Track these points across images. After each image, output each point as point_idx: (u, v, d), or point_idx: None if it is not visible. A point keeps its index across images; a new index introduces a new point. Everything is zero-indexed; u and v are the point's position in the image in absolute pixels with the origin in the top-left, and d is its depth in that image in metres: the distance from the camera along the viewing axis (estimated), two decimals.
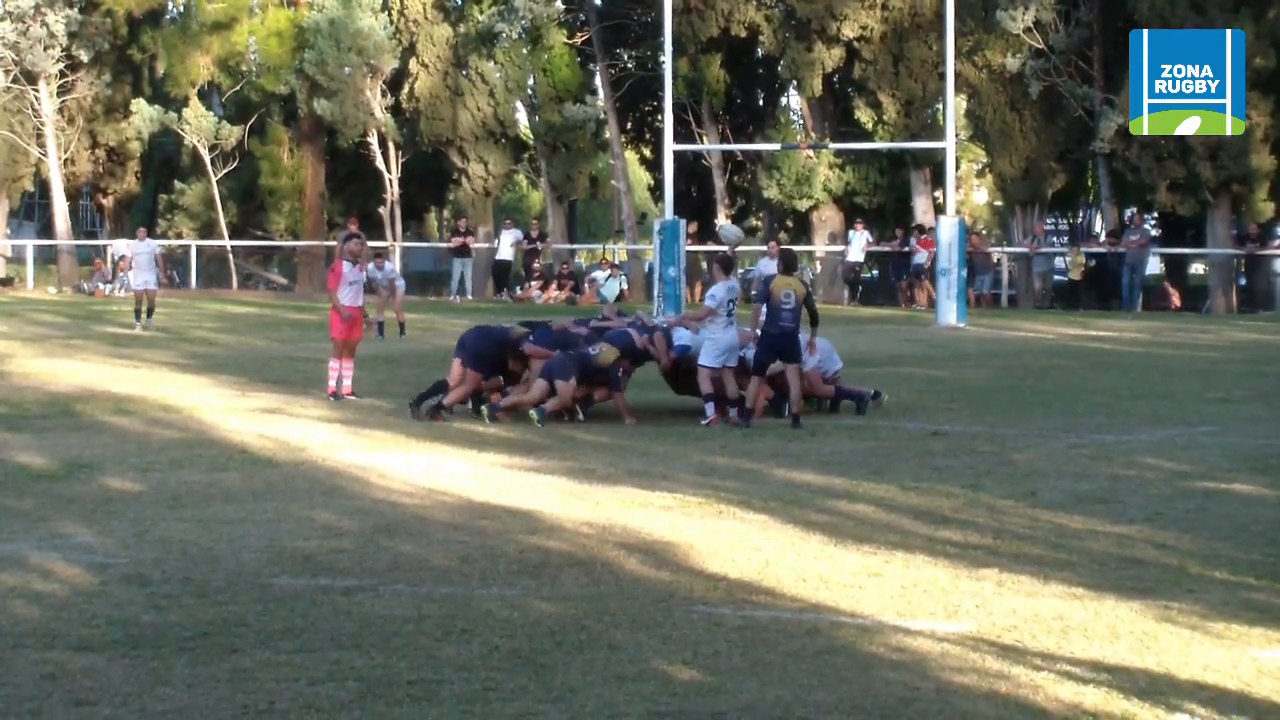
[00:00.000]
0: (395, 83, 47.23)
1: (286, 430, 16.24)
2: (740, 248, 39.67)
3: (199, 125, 48.14)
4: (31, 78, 49.68)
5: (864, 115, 42.54)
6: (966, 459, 14.37)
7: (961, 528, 11.10)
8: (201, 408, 18.12)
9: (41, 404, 18.51)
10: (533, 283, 43.95)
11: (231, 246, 49.19)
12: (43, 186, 54.65)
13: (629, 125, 51.15)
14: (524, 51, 45.60)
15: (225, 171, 48.74)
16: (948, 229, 33.19)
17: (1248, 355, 25.96)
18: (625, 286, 43.44)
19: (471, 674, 7.54)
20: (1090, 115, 39.31)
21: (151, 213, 52.61)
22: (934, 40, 39.20)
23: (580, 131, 45.92)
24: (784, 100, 51.65)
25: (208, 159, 48.39)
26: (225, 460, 14.27)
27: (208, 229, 49.85)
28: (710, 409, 17.07)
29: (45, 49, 48.91)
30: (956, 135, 37.62)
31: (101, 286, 46.38)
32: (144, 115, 49.00)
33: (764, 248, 37.64)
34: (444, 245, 48.30)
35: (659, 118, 45.52)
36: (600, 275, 43.55)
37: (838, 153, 43.04)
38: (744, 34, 44.09)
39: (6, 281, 49.10)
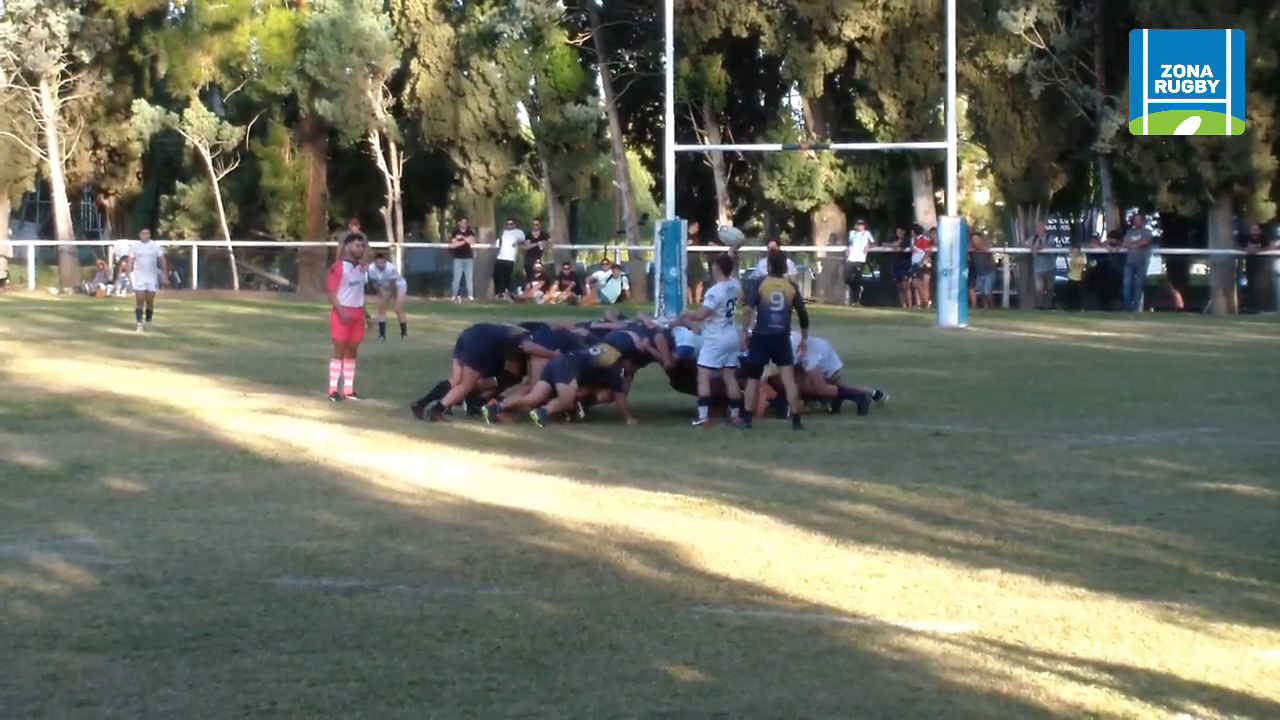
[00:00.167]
0: (396, 83, 47.20)
1: (288, 431, 16.24)
2: (742, 249, 39.78)
3: (200, 126, 48.12)
4: (33, 78, 49.65)
5: (865, 116, 42.55)
6: (968, 459, 14.36)
7: (963, 528, 11.10)
8: (203, 408, 18.12)
9: (43, 404, 18.52)
10: (534, 283, 43.93)
11: (233, 247, 49.16)
12: (44, 187, 54.61)
13: (630, 126, 51.18)
14: (525, 52, 45.57)
15: (226, 172, 48.71)
16: (949, 229, 33.18)
17: (1249, 356, 25.93)
18: (627, 287, 43.45)
19: (473, 674, 7.54)
20: (1091, 115, 39.28)
21: (153, 213, 52.64)
22: (935, 40, 39.21)
23: (582, 132, 45.89)
24: (785, 101, 51.77)
25: (209, 159, 48.36)
26: (227, 461, 14.27)
27: (209, 229, 49.83)
28: (703, 412, 17.06)
29: (47, 49, 48.90)
30: (958, 135, 37.61)
31: (103, 287, 46.33)
32: (145, 116, 48.99)
33: (764, 249, 37.66)
34: (445, 246, 48.25)
35: (660, 118, 45.53)
36: (602, 276, 43.57)
37: (839, 153, 43.05)
38: (745, 34, 44.08)
39: None
